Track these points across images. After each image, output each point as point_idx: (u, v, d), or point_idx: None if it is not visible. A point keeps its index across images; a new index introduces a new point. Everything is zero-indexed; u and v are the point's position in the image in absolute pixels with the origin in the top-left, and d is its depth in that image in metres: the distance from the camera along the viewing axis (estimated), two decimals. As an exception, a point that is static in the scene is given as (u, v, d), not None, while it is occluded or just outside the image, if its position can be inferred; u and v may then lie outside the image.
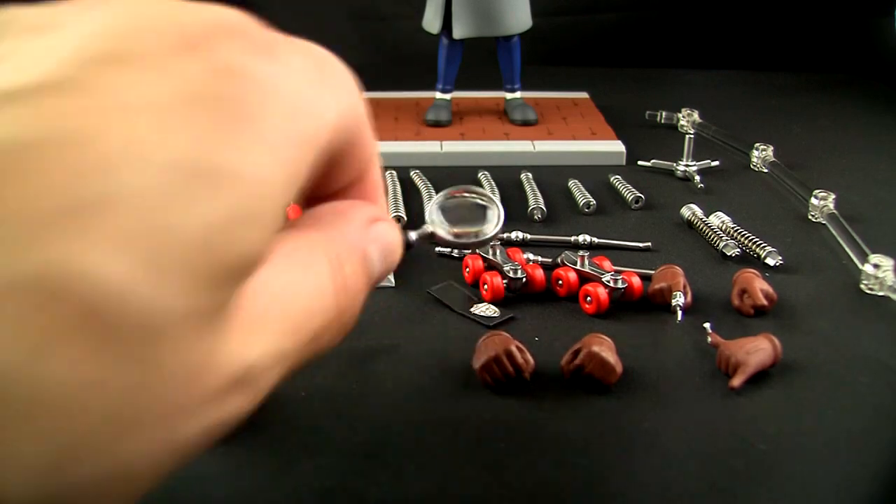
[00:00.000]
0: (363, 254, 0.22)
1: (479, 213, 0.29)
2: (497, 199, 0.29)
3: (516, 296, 0.42)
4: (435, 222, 0.28)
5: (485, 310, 0.40)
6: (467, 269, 0.44)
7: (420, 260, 0.46)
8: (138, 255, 0.14)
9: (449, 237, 0.28)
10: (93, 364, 0.14)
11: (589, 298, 0.40)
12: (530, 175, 0.57)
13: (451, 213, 0.29)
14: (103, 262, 0.14)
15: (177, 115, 0.16)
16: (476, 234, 0.28)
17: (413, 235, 0.27)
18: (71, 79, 0.15)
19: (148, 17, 0.18)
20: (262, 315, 0.18)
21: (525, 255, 0.45)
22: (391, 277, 0.43)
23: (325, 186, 0.24)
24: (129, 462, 0.15)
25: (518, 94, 0.67)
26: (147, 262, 0.14)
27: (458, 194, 0.29)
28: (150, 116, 0.15)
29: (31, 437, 0.13)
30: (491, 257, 0.43)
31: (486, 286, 0.42)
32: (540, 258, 0.45)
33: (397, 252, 0.24)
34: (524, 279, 0.42)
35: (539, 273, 0.42)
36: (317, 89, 0.20)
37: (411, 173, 0.58)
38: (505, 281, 0.42)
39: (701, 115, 0.69)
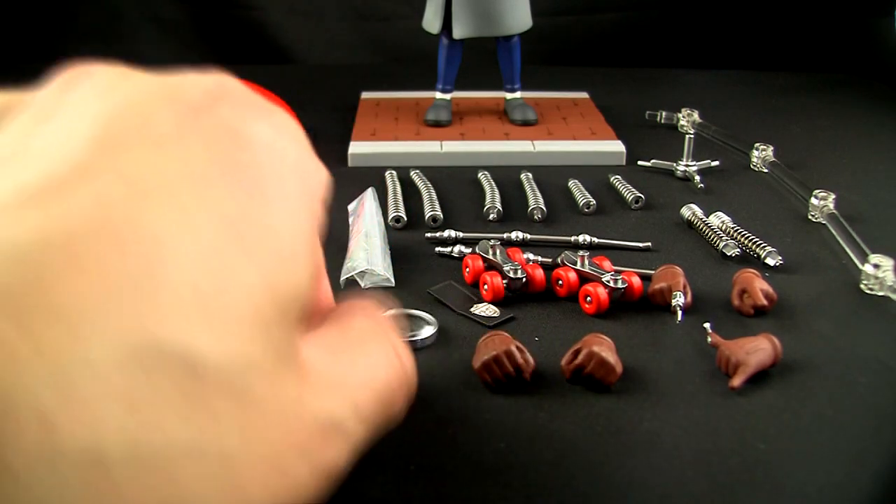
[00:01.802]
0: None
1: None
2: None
3: (516, 296, 0.42)
4: None
5: (485, 310, 0.40)
6: (467, 269, 0.44)
7: (420, 260, 0.46)
8: (207, 319, 0.15)
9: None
10: (192, 422, 0.14)
11: (589, 298, 0.40)
12: (530, 175, 0.57)
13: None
14: (180, 331, 0.14)
15: (207, 183, 0.17)
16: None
17: None
18: (93, 167, 0.16)
19: (147, 92, 0.18)
20: (338, 375, 0.19)
21: (525, 255, 0.45)
22: (391, 277, 0.43)
23: None
24: (251, 499, 0.15)
25: (518, 94, 0.67)
26: (214, 322, 0.15)
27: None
28: (182, 188, 0.16)
29: (140, 497, 0.14)
30: (491, 257, 0.43)
31: (486, 286, 0.42)
32: (540, 258, 0.45)
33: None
34: (524, 279, 0.42)
35: (539, 273, 0.42)
36: (306, 150, 0.21)
37: (411, 173, 0.58)
38: (505, 281, 0.42)
39: (701, 115, 0.69)
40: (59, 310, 0.13)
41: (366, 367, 0.21)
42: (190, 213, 0.16)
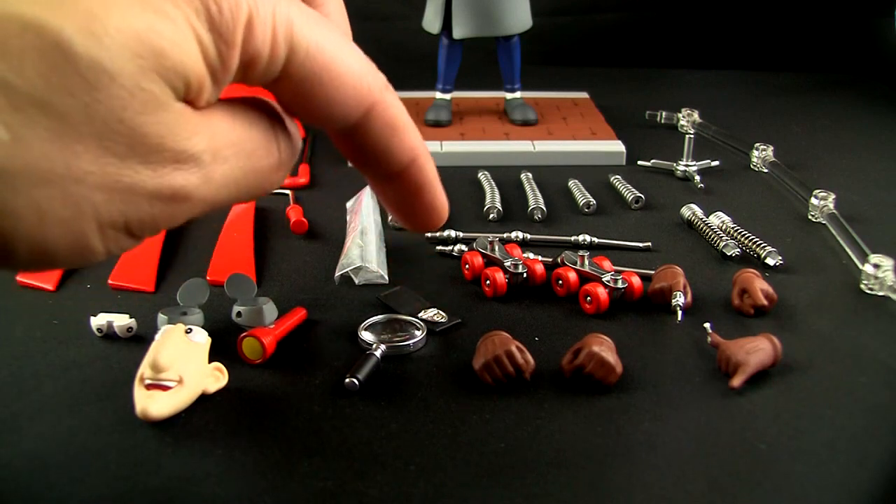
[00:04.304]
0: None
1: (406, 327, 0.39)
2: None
3: (518, 290, 0.42)
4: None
5: (432, 315, 0.40)
6: (466, 266, 0.44)
7: (419, 259, 0.46)
8: (96, 30, 0.18)
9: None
10: (48, 78, 0.17)
11: (589, 298, 0.40)
12: (530, 175, 0.57)
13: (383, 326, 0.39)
14: (72, 27, 0.17)
15: None
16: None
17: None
18: None
19: None
20: (215, 128, 0.21)
21: (525, 255, 0.45)
22: (385, 273, 0.43)
23: None
24: (76, 168, 0.18)
25: (518, 94, 0.67)
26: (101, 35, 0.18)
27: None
28: None
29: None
30: (490, 253, 0.43)
31: (487, 282, 0.42)
32: (540, 258, 0.45)
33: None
34: (525, 274, 0.42)
35: (539, 267, 0.42)
36: None
37: (411, 173, 0.58)
38: (507, 276, 0.42)
39: (701, 115, 0.69)
40: None
41: (247, 136, 0.22)
42: None
